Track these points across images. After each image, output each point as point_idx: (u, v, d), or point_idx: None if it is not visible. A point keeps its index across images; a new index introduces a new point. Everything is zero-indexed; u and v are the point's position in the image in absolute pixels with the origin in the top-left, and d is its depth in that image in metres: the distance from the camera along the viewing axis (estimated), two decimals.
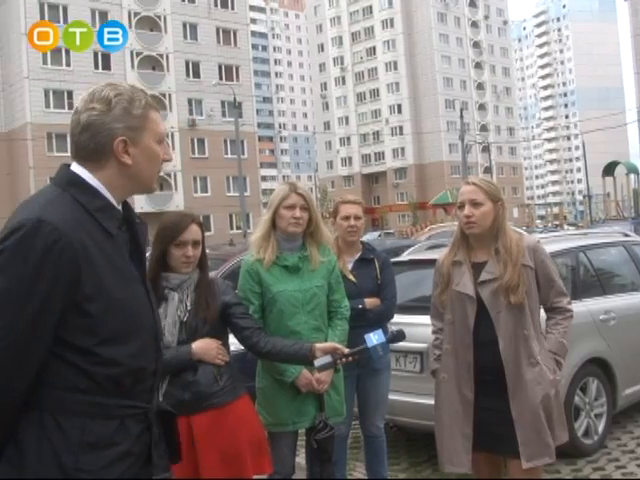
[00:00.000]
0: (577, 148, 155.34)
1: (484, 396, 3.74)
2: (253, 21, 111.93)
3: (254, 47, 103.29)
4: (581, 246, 6.91)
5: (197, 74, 59.90)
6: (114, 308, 2.01)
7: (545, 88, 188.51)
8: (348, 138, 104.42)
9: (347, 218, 4.89)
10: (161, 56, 58.67)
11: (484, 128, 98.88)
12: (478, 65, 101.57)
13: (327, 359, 3.45)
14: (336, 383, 4.16)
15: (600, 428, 6.21)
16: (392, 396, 5.23)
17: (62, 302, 1.92)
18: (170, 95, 58.62)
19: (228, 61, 61.15)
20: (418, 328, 5.15)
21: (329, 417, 4.02)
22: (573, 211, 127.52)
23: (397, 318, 5.02)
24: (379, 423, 4.98)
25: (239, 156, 43.74)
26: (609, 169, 55.18)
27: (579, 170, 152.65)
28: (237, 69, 61.96)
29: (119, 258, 2.09)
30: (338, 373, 3.99)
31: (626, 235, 8.28)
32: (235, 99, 45.49)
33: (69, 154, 2.17)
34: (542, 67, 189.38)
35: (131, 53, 56.82)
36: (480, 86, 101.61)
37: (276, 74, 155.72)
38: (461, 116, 55.49)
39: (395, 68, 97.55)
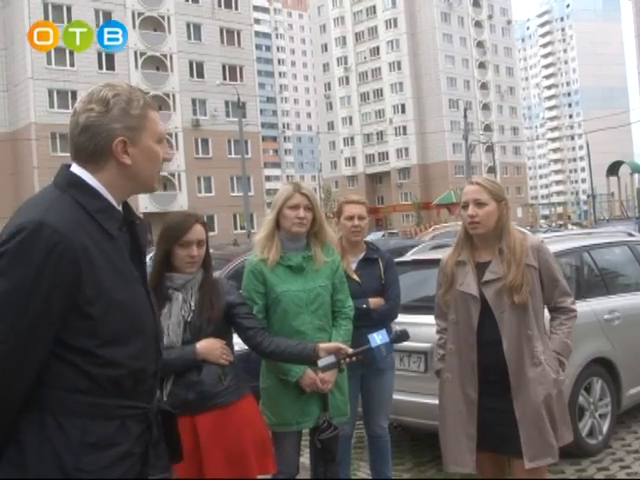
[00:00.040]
0: (581, 148, 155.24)
1: (488, 396, 3.74)
2: (257, 21, 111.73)
3: (258, 47, 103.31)
4: (585, 246, 6.90)
5: (201, 74, 59.93)
6: (115, 309, 2.01)
7: (549, 88, 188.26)
8: (352, 138, 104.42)
9: (351, 218, 4.89)
10: (165, 56, 58.70)
11: (488, 128, 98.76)
12: (482, 65, 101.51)
13: (331, 359, 3.45)
14: (340, 383, 4.16)
15: (604, 428, 6.20)
16: (396, 396, 5.22)
17: (63, 304, 1.92)
18: (174, 95, 58.67)
19: (232, 61, 61.16)
20: (422, 328, 5.15)
21: (333, 417, 4.01)
22: (577, 211, 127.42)
23: (401, 318, 5.02)
24: (383, 423, 4.97)
25: (243, 156, 43.80)
26: (613, 169, 55.09)
27: (583, 170, 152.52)
28: (241, 69, 61.97)
29: (119, 259, 2.09)
30: (342, 373, 3.98)
31: (630, 235, 8.26)
32: (239, 99, 45.49)
33: None
34: (546, 67, 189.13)
35: (135, 53, 56.90)
36: (484, 86, 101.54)
37: (280, 74, 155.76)
38: (465, 116, 55.44)
39: (399, 68, 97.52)
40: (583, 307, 5.65)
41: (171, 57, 58.93)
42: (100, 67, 54.01)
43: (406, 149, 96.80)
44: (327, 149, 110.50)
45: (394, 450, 5.35)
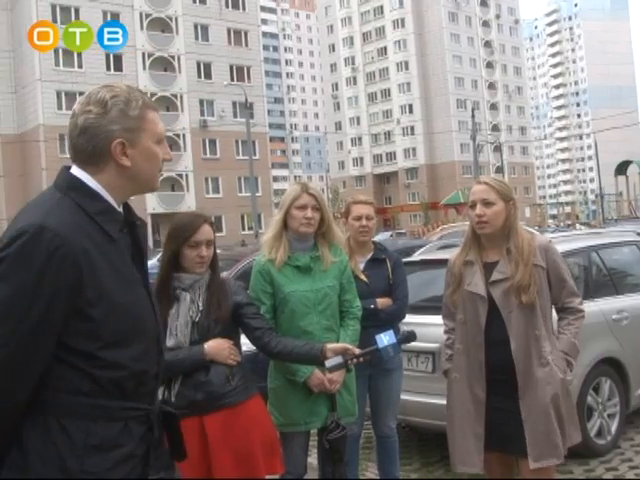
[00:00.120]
0: (589, 147, 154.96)
1: (496, 395, 3.74)
2: (264, 22, 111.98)
3: (265, 48, 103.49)
4: (593, 245, 6.88)
5: (208, 75, 60.03)
6: (116, 312, 2.01)
7: (557, 87, 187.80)
8: (359, 138, 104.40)
9: (359, 218, 4.89)
10: (172, 57, 58.83)
11: (496, 128, 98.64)
12: (489, 65, 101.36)
13: (338, 360, 3.45)
14: (348, 383, 4.16)
15: (613, 428, 6.18)
16: (404, 396, 5.23)
17: (64, 307, 1.92)
18: (181, 96, 58.81)
19: (239, 62, 61.24)
20: (430, 328, 5.15)
21: (341, 417, 4.02)
22: (585, 210, 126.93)
23: (409, 318, 5.02)
24: (391, 423, 4.97)
25: (251, 157, 43.82)
26: (621, 168, 54.96)
27: (591, 169, 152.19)
28: (248, 70, 62.05)
29: (120, 261, 2.09)
30: (350, 373, 3.98)
31: (639, 234, 8.24)
32: (246, 100, 45.55)
33: None
34: (554, 66, 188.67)
35: (143, 54, 57.08)
36: (492, 86, 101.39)
37: (287, 75, 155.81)
38: (473, 116, 55.35)
39: (406, 68, 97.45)
40: (591, 307, 5.64)
41: (179, 58, 59.06)
42: (108, 68, 54.17)
43: (414, 149, 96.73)
44: (335, 149, 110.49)
45: (402, 450, 5.35)
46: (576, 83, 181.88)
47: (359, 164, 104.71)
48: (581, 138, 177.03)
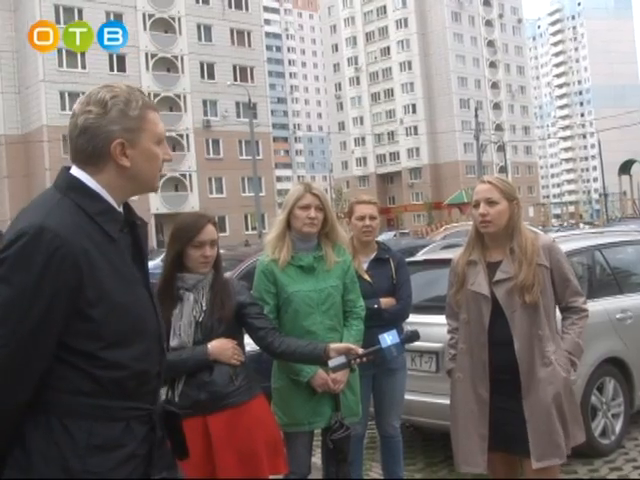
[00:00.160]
0: (593, 146, 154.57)
1: (499, 395, 3.73)
2: (267, 22, 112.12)
3: (268, 48, 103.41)
4: (597, 245, 6.87)
5: (212, 75, 60.06)
6: (117, 312, 2.01)
7: (560, 86, 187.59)
8: (363, 138, 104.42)
9: (362, 218, 4.89)
10: (176, 58, 58.87)
11: (499, 127, 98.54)
12: (493, 64, 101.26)
13: (341, 360, 3.45)
14: (352, 383, 4.16)
15: (617, 428, 6.17)
16: (408, 396, 5.22)
17: (65, 308, 1.92)
18: (185, 96, 58.86)
19: (242, 62, 61.26)
20: (433, 328, 5.14)
21: (345, 417, 4.02)
22: (589, 210, 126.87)
23: (412, 318, 5.02)
24: (395, 423, 4.97)
25: (254, 157, 43.80)
26: (625, 167, 54.93)
27: (595, 168, 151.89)
28: (251, 70, 62.07)
29: (121, 261, 2.08)
30: (354, 373, 3.98)
31: None
32: (250, 100, 45.54)
33: None
34: (557, 65, 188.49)
35: (146, 55, 57.13)
36: (495, 85, 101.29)
37: (290, 75, 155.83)
38: (476, 115, 55.32)
39: (409, 68, 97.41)
40: (595, 306, 5.63)
41: (182, 58, 59.10)
42: (111, 69, 54.24)
43: (417, 149, 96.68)
44: (338, 149, 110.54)
45: (406, 450, 5.35)
46: (579, 82, 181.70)
47: (362, 164, 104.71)
48: (584, 137, 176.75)
